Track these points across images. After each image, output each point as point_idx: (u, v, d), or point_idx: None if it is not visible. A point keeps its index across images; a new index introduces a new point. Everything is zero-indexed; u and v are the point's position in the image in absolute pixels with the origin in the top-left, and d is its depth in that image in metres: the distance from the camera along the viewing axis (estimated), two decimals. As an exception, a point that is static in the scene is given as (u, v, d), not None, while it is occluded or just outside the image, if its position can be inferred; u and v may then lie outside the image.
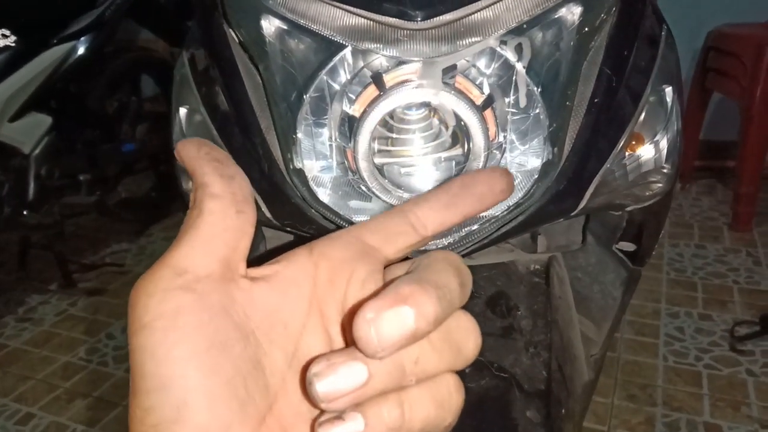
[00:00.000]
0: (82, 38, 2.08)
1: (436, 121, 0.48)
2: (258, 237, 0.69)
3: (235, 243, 0.26)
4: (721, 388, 1.59)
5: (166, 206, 2.75)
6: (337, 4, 0.44)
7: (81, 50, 2.08)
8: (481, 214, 0.48)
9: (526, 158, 0.48)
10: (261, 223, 0.56)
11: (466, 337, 0.25)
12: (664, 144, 0.54)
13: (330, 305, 0.26)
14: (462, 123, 0.44)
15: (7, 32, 1.85)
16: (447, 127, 0.48)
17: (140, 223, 2.67)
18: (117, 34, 2.30)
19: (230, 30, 0.54)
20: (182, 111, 0.57)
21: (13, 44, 1.86)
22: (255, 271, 0.26)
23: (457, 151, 0.48)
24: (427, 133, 0.48)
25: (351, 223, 0.48)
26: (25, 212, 1.97)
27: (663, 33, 0.58)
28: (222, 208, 0.26)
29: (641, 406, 1.54)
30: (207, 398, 0.22)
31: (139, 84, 2.64)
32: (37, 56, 1.94)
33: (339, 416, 0.22)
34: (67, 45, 2.03)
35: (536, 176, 0.47)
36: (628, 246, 0.64)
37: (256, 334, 0.25)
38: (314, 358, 0.22)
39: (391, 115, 0.47)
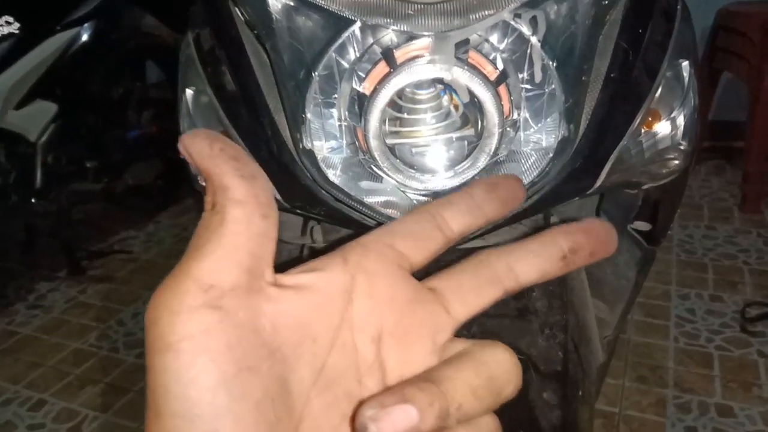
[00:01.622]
0: (86, 24, 2.07)
1: (445, 101, 0.47)
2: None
3: (262, 250, 0.24)
4: (732, 370, 1.58)
5: (173, 192, 2.75)
6: (346, -22, 0.43)
7: (85, 36, 2.06)
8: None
9: (541, 136, 0.47)
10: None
11: (507, 382, 0.25)
12: (681, 120, 0.53)
13: (364, 320, 0.26)
14: (475, 99, 0.43)
15: (11, 19, 1.84)
16: (457, 108, 0.47)
17: (147, 209, 2.67)
18: (121, 20, 2.29)
19: (236, 8, 0.53)
20: (188, 92, 0.56)
21: (17, 31, 1.84)
22: (285, 279, 0.25)
23: (469, 131, 0.47)
24: (438, 113, 0.47)
25: (362, 204, 0.47)
26: (32, 200, 1.97)
27: (679, 6, 0.57)
28: (246, 214, 0.24)
29: (652, 388, 1.53)
30: (236, 425, 0.21)
31: (143, 70, 2.63)
32: (41, 43, 1.93)
33: None
34: (71, 31, 2.02)
35: (551, 154, 0.46)
36: (644, 225, 0.63)
37: (283, 350, 0.24)
38: (363, 401, 0.22)
39: (400, 95, 0.46)
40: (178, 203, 2.75)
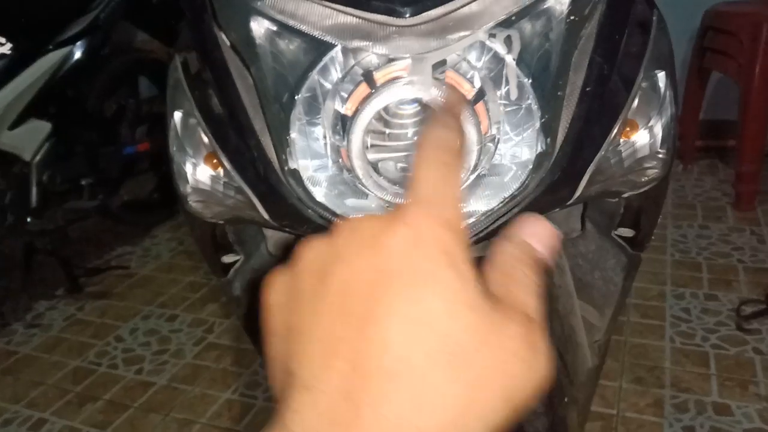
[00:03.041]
0: (78, 42, 2.08)
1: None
2: (258, 237, 0.70)
3: None
4: (729, 368, 1.59)
5: (169, 207, 2.76)
6: (326, 3, 0.44)
7: (77, 54, 2.08)
8: (476, 209, 0.48)
9: (519, 149, 0.48)
10: (259, 224, 0.57)
11: None
12: (658, 129, 0.55)
13: None
14: (454, 118, 0.44)
15: (3, 40, 1.85)
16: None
17: (144, 224, 2.68)
18: (112, 37, 2.30)
19: (221, 33, 0.54)
20: (177, 115, 0.57)
21: (9, 51, 1.86)
22: None
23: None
24: (422, 128, 0.48)
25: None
26: (28, 219, 1.98)
27: (654, 18, 0.58)
28: None
29: (649, 389, 1.54)
30: None
31: (136, 86, 2.64)
32: (33, 62, 1.94)
33: None
34: (63, 50, 2.03)
35: (530, 167, 0.47)
36: (627, 232, 0.64)
37: None
38: None
39: (386, 110, 0.47)
40: (174, 218, 2.76)
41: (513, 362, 0.25)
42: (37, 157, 2.00)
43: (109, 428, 1.59)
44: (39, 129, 2.01)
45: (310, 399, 0.25)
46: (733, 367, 1.59)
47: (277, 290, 0.30)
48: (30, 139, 1.98)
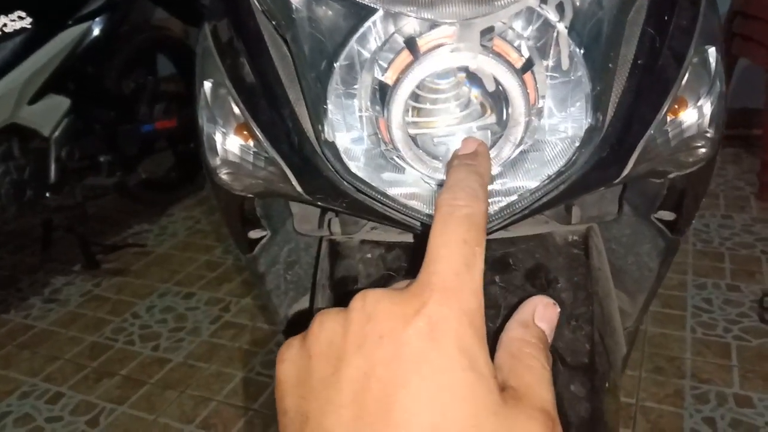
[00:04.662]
0: (97, 19, 2.07)
1: (464, 89, 0.46)
2: (285, 213, 0.68)
3: None
4: (751, 360, 1.56)
5: (186, 185, 2.76)
6: (367, -33, 0.42)
7: (96, 31, 2.07)
8: (521, 185, 0.46)
9: (566, 124, 0.46)
10: (290, 197, 0.55)
11: None
12: (707, 108, 0.52)
13: None
14: (500, 88, 0.42)
15: (23, 14, 1.84)
16: (476, 97, 0.46)
17: (161, 202, 2.68)
18: (131, 14, 2.29)
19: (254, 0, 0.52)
20: (206, 85, 0.55)
21: (30, 26, 1.85)
22: None
23: (490, 119, 0.46)
24: (457, 102, 0.46)
25: (385, 195, 0.47)
26: (47, 195, 1.98)
27: (704, -9, 0.56)
28: None
29: (669, 379, 1.52)
30: None
31: (155, 63, 2.63)
32: (53, 38, 1.94)
33: None
34: (82, 26, 2.02)
35: (578, 143, 0.45)
36: (668, 215, 0.62)
37: None
38: None
39: (419, 85, 0.45)
40: (190, 196, 2.76)
41: None
42: (56, 133, 1.99)
43: (126, 404, 1.60)
44: (58, 104, 2.00)
45: None
46: (755, 359, 1.57)
47: (289, 368, 0.29)
48: (49, 115, 1.97)
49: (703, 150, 0.53)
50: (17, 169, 1.89)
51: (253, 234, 0.66)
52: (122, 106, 2.33)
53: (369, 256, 0.60)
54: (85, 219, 2.22)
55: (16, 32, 1.82)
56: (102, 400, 1.62)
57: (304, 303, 0.78)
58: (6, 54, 1.80)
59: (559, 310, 0.32)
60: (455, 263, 0.26)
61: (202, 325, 1.89)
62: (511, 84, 0.41)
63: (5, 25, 1.79)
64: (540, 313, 0.31)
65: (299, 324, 0.76)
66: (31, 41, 1.87)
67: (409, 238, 0.60)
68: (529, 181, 0.46)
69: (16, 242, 2.48)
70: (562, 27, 0.42)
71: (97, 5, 2.07)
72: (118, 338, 1.87)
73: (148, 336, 1.86)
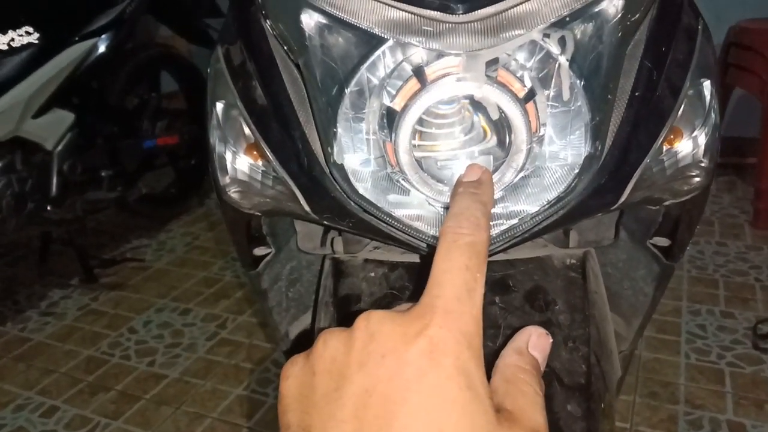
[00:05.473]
0: (103, 35, 2.10)
1: (467, 114, 0.48)
2: (290, 231, 0.70)
3: None
4: (744, 387, 1.57)
5: (185, 202, 2.77)
6: (378, -3, 0.44)
7: (102, 47, 2.09)
8: (522, 209, 0.48)
9: (566, 152, 0.48)
10: (297, 216, 0.57)
11: None
12: (702, 138, 0.54)
13: None
14: (503, 116, 0.44)
15: (31, 29, 1.87)
16: (482, 121, 0.48)
17: (160, 218, 2.69)
18: (137, 31, 2.32)
19: (267, 23, 0.54)
20: (219, 106, 0.57)
21: (37, 41, 1.87)
22: None
23: (491, 143, 0.48)
24: (461, 127, 0.48)
25: (391, 216, 0.48)
26: (48, 208, 1.99)
27: (700, 26, 0.58)
28: None
29: (663, 404, 1.53)
30: None
31: (158, 80, 2.66)
32: (59, 53, 1.96)
33: None
34: (88, 42, 2.05)
35: (577, 170, 0.46)
36: (663, 241, 0.64)
37: None
38: None
39: (424, 110, 0.47)
40: (189, 212, 2.77)
41: None
42: (59, 147, 2.01)
43: (121, 419, 1.59)
44: (62, 119, 2.02)
45: None
46: (748, 385, 1.57)
47: (293, 383, 0.30)
48: (53, 129, 1.99)
49: (697, 179, 0.55)
50: (19, 181, 1.90)
51: (258, 251, 0.67)
52: (125, 121, 2.35)
53: (372, 275, 0.62)
54: (84, 232, 2.22)
55: (24, 47, 1.85)
56: (97, 415, 1.61)
57: (304, 320, 0.79)
58: (13, 68, 1.82)
59: (551, 340, 0.34)
60: (457, 288, 0.28)
61: (199, 341, 1.89)
62: (514, 113, 0.43)
63: (13, 39, 1.82)
64: (534, 342, 0.32)
65: (300, 343, 0.77)
66: (37, 56, 1.89)
67: (411, 258, 0.62)
68: (529, 205, 0.48)
69: (13, 254, 2.48)
70: (563, 59, 0.44)
71: (104, 22, 2.09)
72: (115, 353, 1.87)
73: (144, 351, 1.87)
